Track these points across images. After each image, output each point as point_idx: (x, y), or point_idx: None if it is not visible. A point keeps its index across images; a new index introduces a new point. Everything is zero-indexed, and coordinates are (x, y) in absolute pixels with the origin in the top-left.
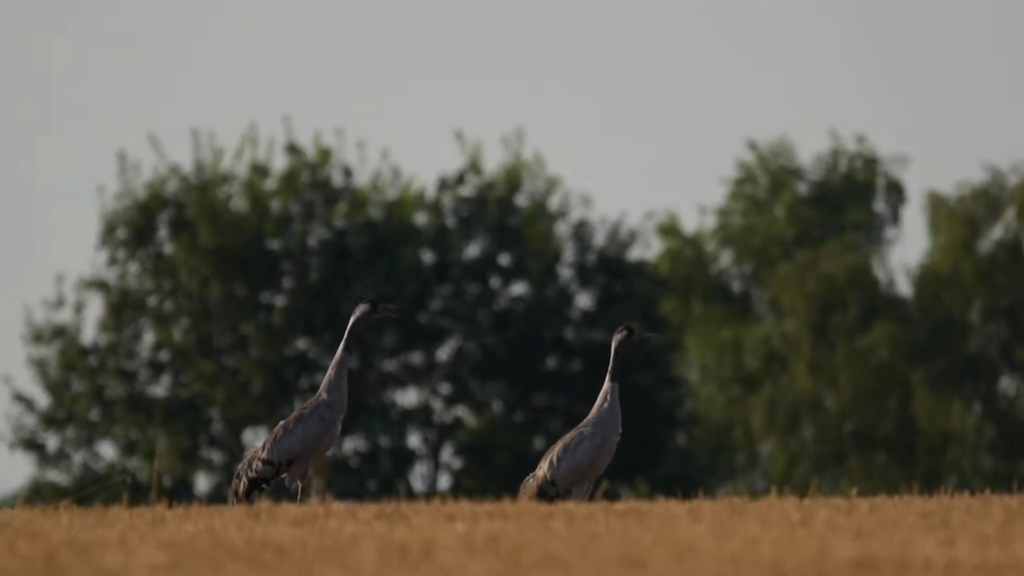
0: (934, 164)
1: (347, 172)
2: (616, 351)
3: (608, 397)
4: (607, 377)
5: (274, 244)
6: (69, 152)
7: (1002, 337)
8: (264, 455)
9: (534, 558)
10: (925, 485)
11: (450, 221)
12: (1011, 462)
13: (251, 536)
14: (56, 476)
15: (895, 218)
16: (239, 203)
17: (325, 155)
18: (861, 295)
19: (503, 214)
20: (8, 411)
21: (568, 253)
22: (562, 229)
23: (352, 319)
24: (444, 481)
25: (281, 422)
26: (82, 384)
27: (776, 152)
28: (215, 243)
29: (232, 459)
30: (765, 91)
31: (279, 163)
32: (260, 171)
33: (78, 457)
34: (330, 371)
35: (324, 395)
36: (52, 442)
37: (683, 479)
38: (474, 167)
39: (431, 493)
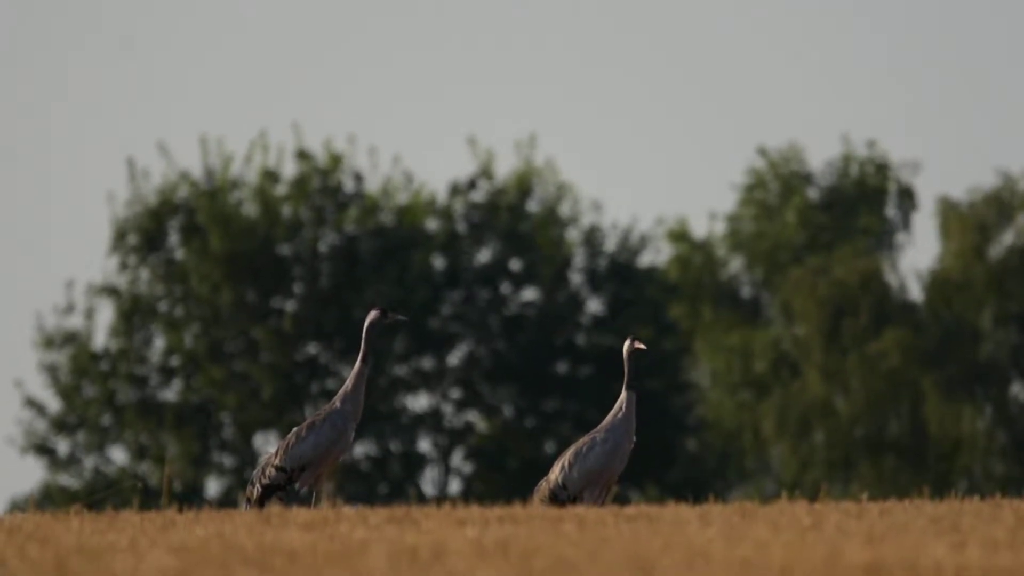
0: (945, 169)
1: (358, 177)
2: (626, 359)
3: (623, 406)
4: (624, 387)
5: (285, 249)
6: (79, 159)
7: (1013, 343)
8: (277, 462)
9: (545, 562)
10: (936, 490)
11: (461, 227)
12: (1022, 467)
13: (261, 541)
14: (67, 481)
15: (906, 223)
16: (249, 209)
17: (336, 160)
18: (872, 301)
19: (514, 220)
20: (19, 416)
21: (579, 259)
22: (573, 235)
23: (366, 325)
24: (455, 486)
25: (294, 429)
26: (93, 389)
27: (787, 158)
28: (226, 249)
29: (243, 464)
30: (776, 97)
31: (289, 169)
32: (271, 177)
33: (89, 462)
34: (348, 382)
35: (338, 404)
36: (63, 447)
37: (693, 484)
38: (486, 173)
39: (442, 498)
